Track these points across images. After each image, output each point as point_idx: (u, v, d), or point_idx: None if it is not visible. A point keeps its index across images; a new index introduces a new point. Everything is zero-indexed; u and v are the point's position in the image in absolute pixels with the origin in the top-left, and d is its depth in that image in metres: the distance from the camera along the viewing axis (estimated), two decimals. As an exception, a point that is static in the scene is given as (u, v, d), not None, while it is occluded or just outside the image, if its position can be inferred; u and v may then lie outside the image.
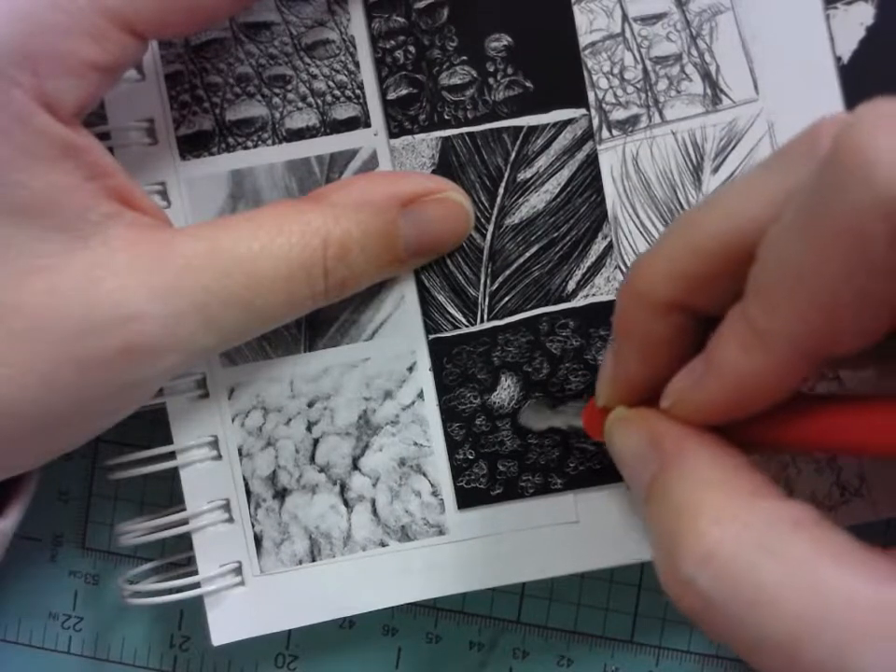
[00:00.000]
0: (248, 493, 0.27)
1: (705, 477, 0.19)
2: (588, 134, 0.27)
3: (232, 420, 0.27)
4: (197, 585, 0.27)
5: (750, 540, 0.17)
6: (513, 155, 0.27)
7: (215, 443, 0.27)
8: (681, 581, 0.18)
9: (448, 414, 0.27)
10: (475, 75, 0.27)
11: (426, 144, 0.27)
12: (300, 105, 0.27)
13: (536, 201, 0.27)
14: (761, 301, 0.18)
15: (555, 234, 0.27)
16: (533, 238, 0.27)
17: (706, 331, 0.20)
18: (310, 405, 0.27)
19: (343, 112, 0.27)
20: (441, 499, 0.27)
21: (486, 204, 0.27)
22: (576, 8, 0.27)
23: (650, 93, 0.27)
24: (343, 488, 0.27)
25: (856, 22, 0.27)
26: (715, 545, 0.17)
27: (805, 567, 0.16)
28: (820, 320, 0.17)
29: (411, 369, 0.27)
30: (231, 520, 0.27)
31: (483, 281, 0.27)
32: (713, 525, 0.17)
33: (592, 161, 0.27)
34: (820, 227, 0.16)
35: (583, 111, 0.27)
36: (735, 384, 0.19)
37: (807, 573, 0.16)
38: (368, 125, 0.27)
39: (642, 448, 0.21)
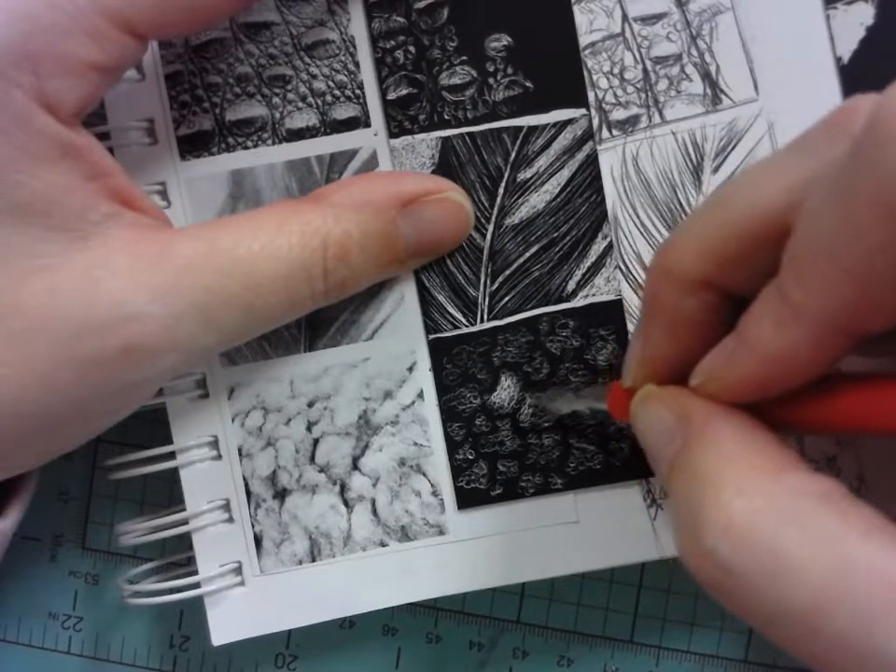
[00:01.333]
0: (248, 493, 0.27)
1: (730, 450, 0.19)
2: (588, 134, 0.27)
3: (232, 420, 0.27)
4: (197, 585, 0.27)
5: (774, 512, 0.17)
6: (513, 155, 0.27)
7: (215, 443, 0.27)
8: (702, 551, 0.17)
9: (448, 414, 0.27)
10: (475, 75, 0.27)
11: (426, 144, 0.27)
12: (300, 105, 0.27)
13: (536, 201, 0.27)
14: (796, 275, 0.18)
15: (555, 234, 0.27)
16: (533, 238, 0.27)
17: (734, 313, 0.20)
18: (310, 405, 0.27)
19: (343, 112, 0.27)
20: (441, 499, 0.27)
21: (486, 204, 0.27)
22: (576, 8, 0.27)
23: (650, 93, 0.27)
24: (343, 488, 0.27)
25: (856, 22, 0.27)
26: (737, 516, 0.17)
27: (832, 539, 0.16)
28: (856, 294, 0.17)
29: (411, 369, 0.27)
30: (231, 520, 0.27)
31: (483, 281, 0.27)
32: (736, 497, 0.17)
33: (592, 161, 0.27)
34: (856, 199, 0.16)
35: (583, 111, 0.27)
36: (768, 360, 0.19)
37: (833, 546, 0.16)
38: (368, 125, 0.27)
39: (669, 423, 0.21)
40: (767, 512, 0.17)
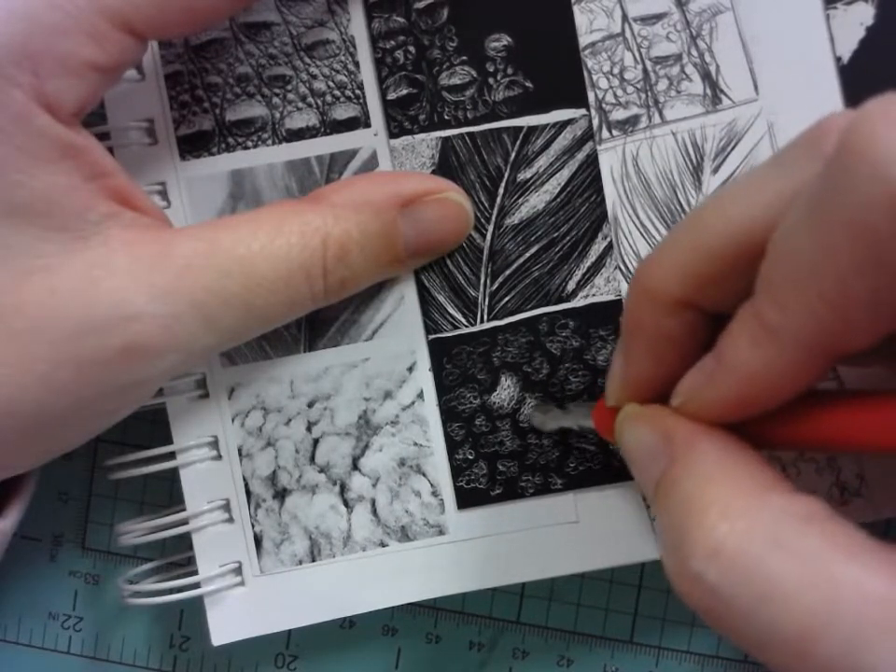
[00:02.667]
0: (248, 493, 0.27)
1: (715, 471, 0.19)
2: (588, 134, 0.27)
3: (232, 420, 0.27)
4: (197, 585, 0.27)
5: (760, 534, 0.17)
6: (513, 155, 0.27)
7: (215, 443, 0.27)
8: (689, 575, 0.17)
9: (448, 414, 0.27)
10: (475, 75, 0.27)
11: (426, 144, 0.27)
12: (300, 104, 0.27)
13: (536, 201, 0.27)
14: (771, 298, 0.18)
15: (555, 234, 0.27)
16: (533, 238, 0.27)
17: (715, 330, 0.20)
18: (310, 405, 0.27)
19: (343, 112, 0.27)
20: (441, 499, 0.27)
21: (486, 204, 0.27)
22: (576, 8, 0.27)
23: (650, 93, 0.27)
24: (343, 488, 0.27)
25: (856, 22, 0.27)
26: (724, 539, 0.17)
27: (818, 561, 0.16)
28: (831, 316, 0.17)
29: (411, 369, 0.27)
30: (230, 520, 0.27)
31: (482, 281, 0.27)
32: (722, 519, 0.17)
33: (592, 162, 0.27)
34: (829, 222, 0.16)
35: (583, 111, 0.27)
36: (747, 381, 0.19)
37: (819, 567, 0.16)
38: (368, 125, 0.27)
39: (653, 444, 0.21)
40: (753, 535, 0.17)
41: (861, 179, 0.15)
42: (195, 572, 0.27)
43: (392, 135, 0.27)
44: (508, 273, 0.27)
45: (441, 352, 0.27)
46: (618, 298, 0.27)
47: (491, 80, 0.27)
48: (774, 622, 0.16)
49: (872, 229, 0.15)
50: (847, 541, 0.17)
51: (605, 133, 0.27)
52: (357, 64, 0.27)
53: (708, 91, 0.27)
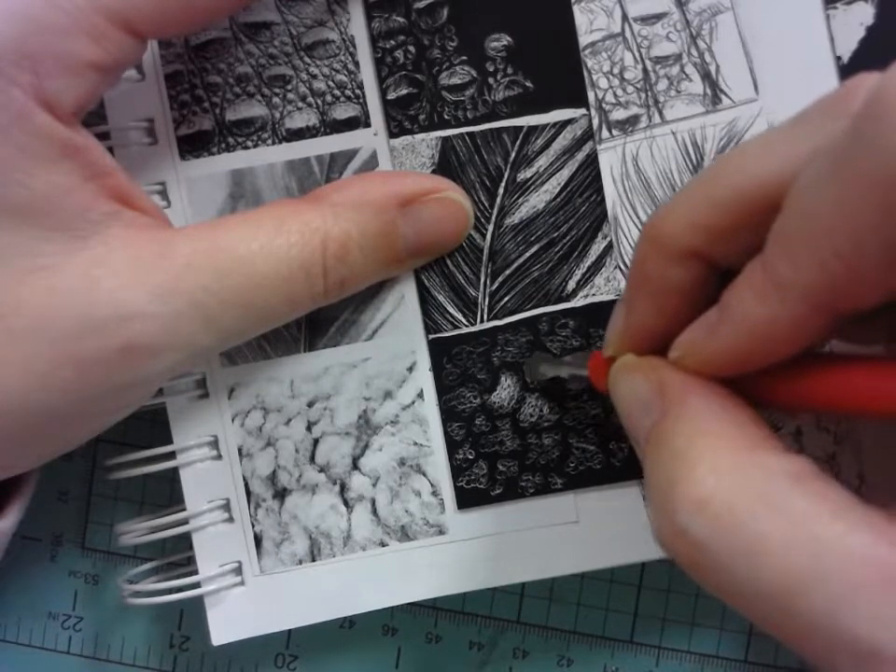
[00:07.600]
0: (248, 493, 0.27)
1: (706, 425, 0.19)
2: (588, 134, 0.27)
3: (232, 420, 0.27)
4: (197, 585, 0.27)
5: (748, 490, 0.17)
6: (513, 155, 0.27)
7: (215, 443, 0.27)
8: (675, 528, 0.18)
9: (448, 414, 0.27)
10: (475, 75, 0.27)
11: (425, 144, 0.27)
12: (300, 104, 0.27)
13: (536, 201, 0.27)
14: (783, 250, 0.18)
15: (555, 234, 0.27)
16: (533, 238, 0.27)
17: (719, 288, 0.20)
18: (310, 405, 0.27)
19: (343, 112, 0.27)
20: (441, 499, 0.27)
21: (486, 204, 0.27)
22: (576, 8, 0.27)
23: (650, 93, 0.27)
24: (343, 488, 0.27)
25: (856, 22, 0.27)
26: (711, 493, 0.17)
27: (803, 519, 0.16)
28: (842, 271, 0.17)
29: (411, 369, 0.27)
30: (230, 520, 0.27)
31: (482, 281, 0.27)
32: (710, 474, 0.17)
33: (592, 161, 0.27)
34: (851, 177, 0.16)
35: (583, 111, 0.27)
36: (749, 334, 0.19)
37: (805, 526, 0.16)
38: (368, 125, 0.27)
39: (646, 394, 0.21)
40: (740, 491, 0.17)
41: (887, 137, 0.15)
42: (195, 572, 0.27)
43: (392, 135, 0.27)
44: (508, 272, 0.27)
45: (441, 352, 0.27)
46: (618, 297, 0.27)
47: (491, 80, 0.27)
48: (757, 577, 0.16)
49: (893, 186, 0.15)
50: (834, 502, 0.17)
51: (605, 133, 0.27)
52: (357, 64, 0.27)
53: (708, 91, 0.27)
